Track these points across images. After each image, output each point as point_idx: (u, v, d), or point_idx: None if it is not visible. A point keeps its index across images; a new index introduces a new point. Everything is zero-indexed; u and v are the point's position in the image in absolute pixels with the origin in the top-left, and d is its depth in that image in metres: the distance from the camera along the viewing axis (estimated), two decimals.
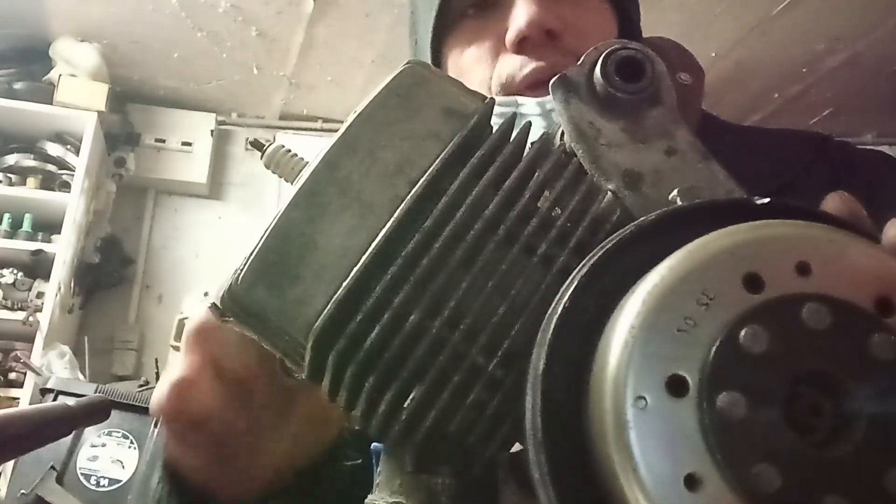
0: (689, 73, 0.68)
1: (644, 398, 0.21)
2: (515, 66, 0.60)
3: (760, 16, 2.66)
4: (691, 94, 0.68)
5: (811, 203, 0.62)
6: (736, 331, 0.21)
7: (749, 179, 0.70)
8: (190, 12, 2.71)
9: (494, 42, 0.61)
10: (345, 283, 0.29)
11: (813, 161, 0.65)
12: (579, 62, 0.34)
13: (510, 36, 0.59)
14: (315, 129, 3.39)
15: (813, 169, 0.64)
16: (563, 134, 0.34)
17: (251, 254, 0.30)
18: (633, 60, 0.32)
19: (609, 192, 0.31)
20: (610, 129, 0.32)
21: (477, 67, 0.63)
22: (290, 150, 0.39)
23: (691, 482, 0.20)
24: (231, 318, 0.32)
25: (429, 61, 0.65)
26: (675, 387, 0.21)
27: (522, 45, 0.60)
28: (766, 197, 0.27)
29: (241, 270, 0.30)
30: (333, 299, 0.29)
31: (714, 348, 0.21)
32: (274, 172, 0.38)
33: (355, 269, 0.29)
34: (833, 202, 0.27)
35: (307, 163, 0.36)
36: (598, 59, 0.32)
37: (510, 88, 0.61)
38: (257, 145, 0.38)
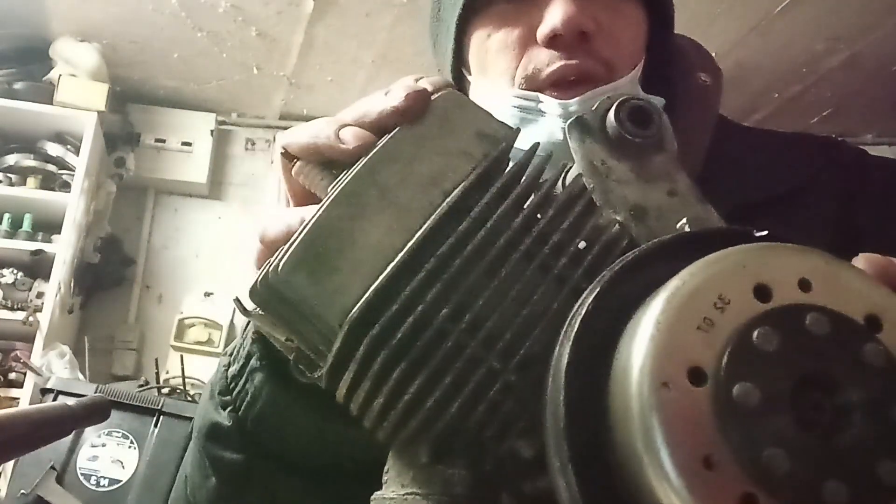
0: (708, 71, 0.68)
1: (667, 385, 0.23)
2: (543, 60, 0.60)
3: (760, 16, 2.66)
4: (711, 95, 0.67)
5: (819, 207, 0.61)
6: (749, 331, 0.24)
7: (761, 182, 0.68)
8: (190, 12, 2.71)
9: (525, 32, 0.60)
10: (383, 275, 0.31)
11: (824, 166, 0.65)
12: (594, 108, 0.37)
13: (543, 31, 0.59)
14: None
15: (823, 174, 0.64)
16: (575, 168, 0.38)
17: (291, 244, 0.33)
18: (642, 110, 0.36)
19: (617, 223, 0.35)
20: (619, 168, 0.36)
21: (502, 55, 0.62)
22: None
23: (708, 463, 0.22)
24: (257, 311, 0.34)
25: (451, 39, 0.65)
26: (695, 377, 0.23)
27: (554, 42, 0.59)
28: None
29: (280, 260, 0.32)
30: (372, 288, 0.31)
31: (730, 345, 0.24)
32: (302, 184, 0.41)
33: (391, 264, 0.31)
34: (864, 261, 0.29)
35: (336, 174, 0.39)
36: (612, 106, 0.37)
37: (533, 82, 0.60)
38: (290, 156, 0.41)
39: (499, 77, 0.62)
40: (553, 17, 0.58)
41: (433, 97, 0.37)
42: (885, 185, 0.64)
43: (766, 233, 0.29)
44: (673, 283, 0.25)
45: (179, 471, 0.58)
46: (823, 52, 2.87)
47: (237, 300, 0.36)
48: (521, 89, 0.61)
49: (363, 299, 0.31)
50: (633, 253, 0.28)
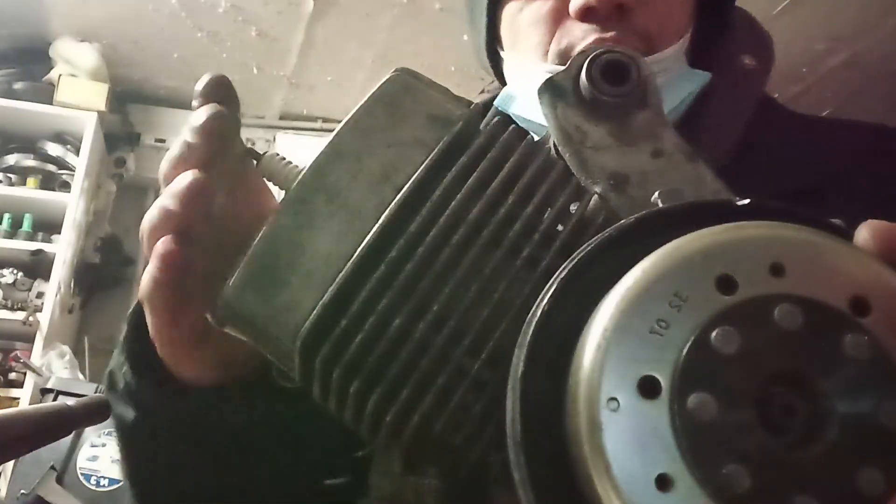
0: (755, 54, 0.63)
1: (616, 399, 0.21)
2: (577, 35, 0.55)
3: (760, 16, 2.64)
4: (753, 79, 0.63)
5: (853, 197, 0.55)
6: (707, 332, 0.21)
7: (794, 171, 0.61)
8: (190, 12, 2.71)
9: (558, 4, 0.57)
10: (330, 289, 0.29)
11: (863, 154, 0.59)
12: (566, 67, 0.33)
13: (576, 4, 0.54)
14: (315, 129, 3.39)
15: (861, 162, 0.58)
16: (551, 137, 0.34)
17: (242, 261, 0.31)
18: (617, 64, 0.32)
19: (595, 195, 0.31)
20: (596, 133, 0.32)
21: (534, 30, 0.58)
22: (284, 158, 0.39)
23: (663, 482, 0.20)
24: (227, 324, 0.33)
25: (484, 13, 0.62)
26: (648, 388, 0.21)
27: (588, 15, 0.55)
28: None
29: (233, 277, 0.31)
30: (319, 304, 0.29)
31: (685, 350, 0.21)
32: (269, 181, 0.38)
33: (341, 274, 0.29)
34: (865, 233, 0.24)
35: (301, 170, 0.36)
36: (584, 63, 0.33)
37: (566, 58, 0.54)
38: (253, 154, 0.38)
39: (531, 52, 0.59)
40: None
41: (382, 82, 0.34)
42: None
43: (748, 201, 0.25)
44: (624, 283, 0.23)
45: None
46: (823, 52, 2.87)
47: (210, 311, 0.34)
48: (555, 65, 0.57)
49: (311, 317, 0.29)
50: (592, 242, 0.25)
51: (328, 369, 0.29)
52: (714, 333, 0.21)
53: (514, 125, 0.33)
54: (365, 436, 0.31)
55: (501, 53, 0.64)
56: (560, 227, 0.30)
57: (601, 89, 0.32)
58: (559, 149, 0.33)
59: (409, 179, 0.31)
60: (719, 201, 0.26)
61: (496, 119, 0.33)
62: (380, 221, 0.30)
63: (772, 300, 0.21)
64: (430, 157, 0.31)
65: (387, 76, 0.34)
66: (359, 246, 0.30)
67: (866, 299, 0.21)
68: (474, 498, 0.31)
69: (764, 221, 0.23)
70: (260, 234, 0.31)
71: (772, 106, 0.66)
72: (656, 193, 0.29)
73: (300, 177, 0.32)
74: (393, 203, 0.30)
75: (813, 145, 0.61)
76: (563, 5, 0.56)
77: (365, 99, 0.33)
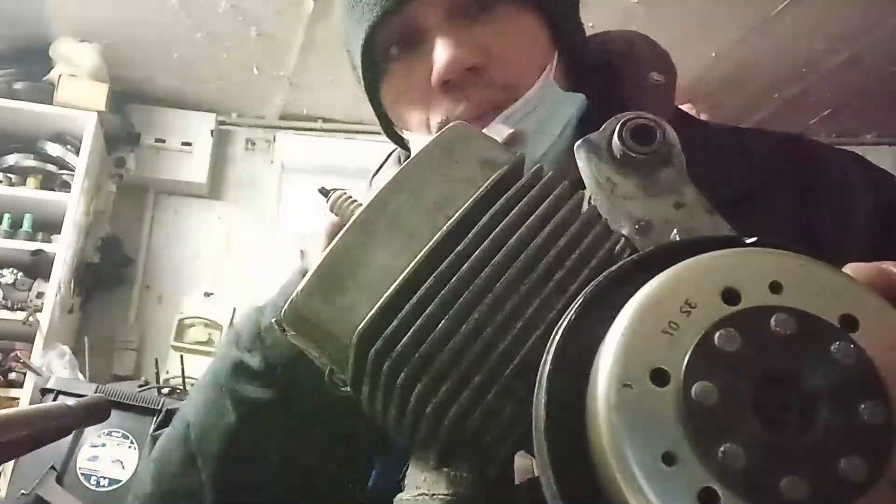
0: (660, 70, 0.69)
1: (630, 385, 0.24)
2: (447, 107, 0.61)
3: (760, 16, 2.66)
4: (664, 93, 0.68)
5: (777, 206, 0.61)
6: (712, 333, 0.25)
7: (718, 183, 0.68)
8: (190, 12, 2.71)
9: (424, 84, 0.62)
10: (386, 294, 0.34)
11: (780, 164, 0.65)
12: (601, 128, 0.38)
13: (433, 80, 0.60)
14: (315, 129, 3.39)
15: (780, 172, 0.64)
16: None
17: (311, 272, 0.36)
18: (645, 127, 0.38)
19: (623, 237, 0.36)
20: (625, 185, 0.37)
21: (413, 112, 0.64)
22: (350, 196, 0.47)
23: (668, 458, 0.23)
24: (290, 329, 0.37)
25: (373, 109, 0.69)
26: (658, 377, 0.24)
27: (448, 87, 0.60)
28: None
29: (302, 285, 0.36)
30: (377, 306, 0.34)
31: (692, 347, 0.25)
32: (336, 214, 0.46)
33: (395, 283, 0.34)
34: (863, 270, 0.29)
35: (365, 203, 0.42)
36: (617, 126, 0.38)
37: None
38: (323, 192, 0.46)
39: (417, 129, 0.65)
40: (437, 65, 0.59)
41: (443, 130, 0.40)
42: (841, 177, 0.63)
43: (755, 239, 0.29)
44: (642, 291, 0.26)
45: (173, 424, 0.58)
46: (823, 52, 2.87)
47: (278, 322, 0.39)
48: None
49: (368, 316, 0.34)
50: (619, 265, 0.29)
51: (380, 362, 0.34)
52: (717, 334, 0.25)
53: (552, 172, 0.39)
54: (405, 432, 0.35)
55: (403, 133, 0.69)
56: (587, 261, 0.35)
57: (630, 148, 0.37)
58: (592, 196, 0.38)
59: (459, 209, 0.36)
60: (729, 236, 0.30)
61: (537, 166, 0.39)
62: (431, 242, 0.35)
63: (770, 310, 0.25)
64: (477, 192, 0.37)
65: (448, 125, 0.40)
66: (412, 261, 0.35)
67: (854, 317, 0.25)
68: (502, 491, 0.34)
69: (767, 249, 0.27)
70: (327, 250, 0.36)
71: (688, 119, 0.71)
72: (675, 231, 0.35)
73: (366, 204, 0.38)
74: (443, 227, 0.35)
75: (728, 158, 0.66)
76: (429, 82, 0.61)
77: (428, 143, 0.39)
